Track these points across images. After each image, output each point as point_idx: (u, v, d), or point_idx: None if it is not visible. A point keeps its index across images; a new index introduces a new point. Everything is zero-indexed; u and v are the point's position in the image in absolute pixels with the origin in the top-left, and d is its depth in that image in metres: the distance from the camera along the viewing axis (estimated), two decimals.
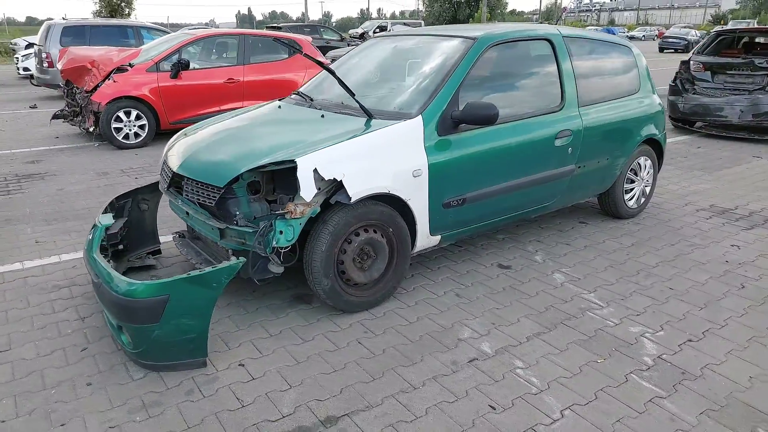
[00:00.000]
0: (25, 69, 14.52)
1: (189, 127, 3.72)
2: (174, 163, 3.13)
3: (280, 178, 2.97)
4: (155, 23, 14.21)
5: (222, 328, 2.86)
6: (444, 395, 2.33)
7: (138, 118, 7.03)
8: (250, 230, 2.73)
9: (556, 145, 3.63)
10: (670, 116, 8.40)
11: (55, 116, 7.49)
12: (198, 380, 2.43)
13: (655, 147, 4.55)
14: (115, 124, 6.91)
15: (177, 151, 3.25)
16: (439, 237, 3.29)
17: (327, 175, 2.72)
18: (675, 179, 5.71)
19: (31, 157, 6.61)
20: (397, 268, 3.12)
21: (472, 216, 3.37)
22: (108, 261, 2.77)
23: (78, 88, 7.25)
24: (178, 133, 3.66)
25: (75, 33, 11.29)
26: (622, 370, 2.51)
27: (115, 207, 3.41)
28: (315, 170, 2.71)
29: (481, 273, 3.52)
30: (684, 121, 8.34)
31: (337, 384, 2.41)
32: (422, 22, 37.16)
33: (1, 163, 6.33)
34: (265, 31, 9.18)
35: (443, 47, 3.54)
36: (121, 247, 3.35)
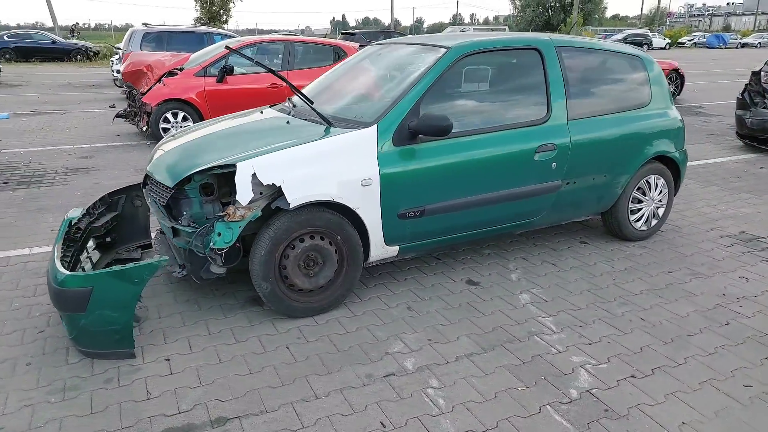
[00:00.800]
0: (117, 71, 15.81)
1: (180, 130, 3.92)
2: (149, 163, 3.33)
3: (233, 182, 3.07)
4: (234, 30, 14.95)
5: (169, 323, 3.00)
6: (341, 408, 2.32)
7: (185, 119, 7.46)
8: (190, 230, 2.84)
9: (536, 160, 3.47)
10: (737, 132, 7.74)
11: (118, 116, 8.12)
12: (122, 370, 2.57)
13: (671, 165, 4.22)
14: (163, 125, 7.38)
15: (156, 152, 3.45)
16: (396, 248, 3.26)
17: (266, 180, 2.79)
18: (714, 201, 5.25)
19: (87, 152, 7.21)
20: (346, 276, 3.12)
21: (434, 228, 3.30)
22: (79, 252, 3.01)
23: (136, 90, 7.82)
24: (167, 135, 3.87)
25: (155, 39, 12.17)
26: (540, 400, 2.37)
27: (107, 202, 3.66)
28: (254, 175, 2.79)
29: (446, 287, 3.43)
30: (752, 138, 7.62)
31: (244, 386, 2.46)
32: (506, 28, 36.40)
33: (61, 156, 6.96)
34: (309, 38, 9.44)
35: (419, 57, 3.50)
36: (108, 239, 3.59)
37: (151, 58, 7.89)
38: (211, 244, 2.76)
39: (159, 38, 12.19)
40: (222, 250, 2.81)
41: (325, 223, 2.96)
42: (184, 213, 2.97)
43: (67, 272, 2.53)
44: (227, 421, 2.24)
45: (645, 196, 4.14)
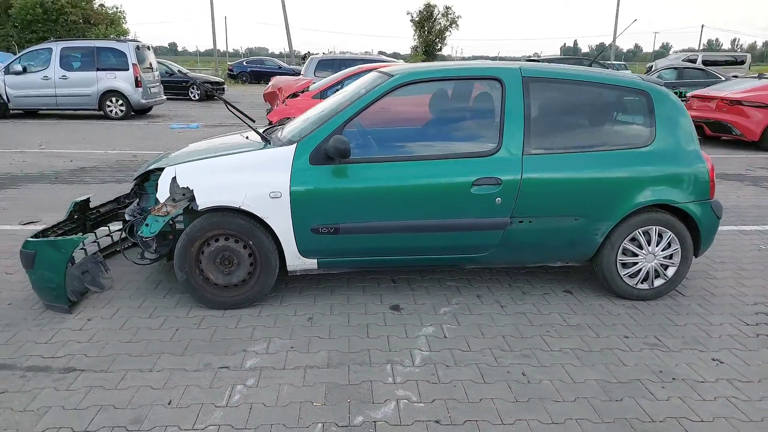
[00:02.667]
0: None
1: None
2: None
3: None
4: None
5: (122, 291, 3.64)
6: (168, 384, 2.65)
7: None
8: (128, 218, 3.45)
9: (473, 193, 3.35)
10: None
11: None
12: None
13: (685, 218, 3.61)
14: None
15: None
16: (315, 261, 3.45)
17: (182, 184, 3.27)
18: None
19: None
20: (259, 279, 3.42)
21: (352, 247, 3.41)
22: (83, 229, 3.85)
23: (270, 109, 9.03)
24: None
25: (328, 65, 13.66)
26: (318, 418, 2.40)
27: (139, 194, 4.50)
28: (174, 178, 3.29)
29: (366, 307, 3.50)
30: None
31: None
32: (748, 56, 31.44)
33: None
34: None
35: (373, 83, 3.63)
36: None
37: (284, 81, 9.03)
38: (140, 232, 3.32)
39: (331, 64, 13.64)
40: (147, 238, 3.35)
41: (236, 227, 3.32)
42: (136, 205, 3.59)
43: (29, 238, 3.31)
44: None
45: (641, 249, 3.61)
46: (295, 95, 8.45)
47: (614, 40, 44.75)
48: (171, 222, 3.42)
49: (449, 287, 3.83)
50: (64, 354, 2.89)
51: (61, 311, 3.33)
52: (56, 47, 13.05)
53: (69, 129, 11.71)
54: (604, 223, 3.50)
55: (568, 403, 2.55)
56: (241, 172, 3.30)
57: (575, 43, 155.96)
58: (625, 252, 3.61)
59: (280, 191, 3.27)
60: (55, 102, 13.10)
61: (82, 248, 3.86)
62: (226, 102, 3.68)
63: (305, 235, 3.35)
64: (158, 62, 19.26)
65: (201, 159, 3.39)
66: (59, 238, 3.26)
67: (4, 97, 12.98)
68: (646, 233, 3.58)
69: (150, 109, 14.67)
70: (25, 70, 12.94)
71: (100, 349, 2.94)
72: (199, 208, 3.25)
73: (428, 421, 2.40)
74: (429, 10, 48.74)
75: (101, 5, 44.50)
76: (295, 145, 3.34)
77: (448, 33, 49.14)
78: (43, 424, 2.33)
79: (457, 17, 49.55)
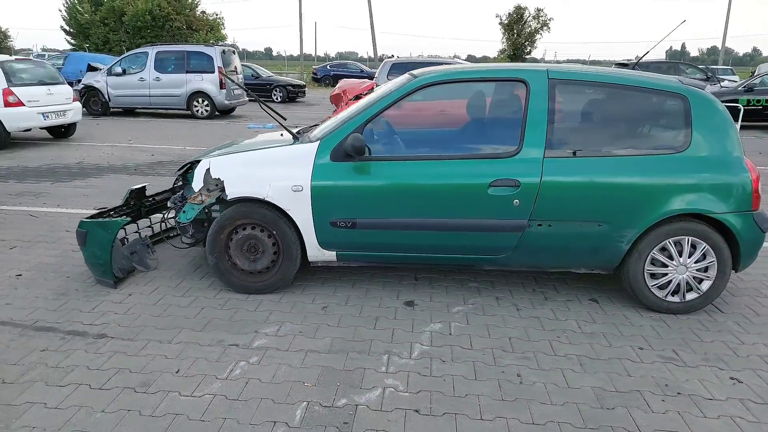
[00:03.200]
0: None
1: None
2: None
3: None
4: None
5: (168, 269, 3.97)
6: (181, 355, 2.90)
7: None
8: (170, 206, 3.77)
9: (490, 194, 3.36)
10: None
11: None
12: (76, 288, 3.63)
13: (722, 230, 3.42)
14: None
15: None
16: (334, 253, 3.60)
17: (214, 175, 3.53)
18: None
19: None
20: (282, 267, 3.62)
21: (369, 242, 3.53)
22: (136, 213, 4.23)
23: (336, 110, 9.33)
24: None
25: (401, 68, 13.85)
26: (294, 398, 2.54)
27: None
28: (207, 170, 3.56)
29: (380, 300, 3.60)
30: None
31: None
32: None
33: None
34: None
35: (400, 82, 3.73)
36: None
37: (349, 84, 9.29)
38: (178, 218, 3.63)
39: (405, 68, 13.82)
40: (184, 224, 3.65)
41: (261, 217, 3.53)
42: (181, 195, 3.90)
43: (83, 219, 3.70)
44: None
45: (672, 260, 3.45)
46: (358, 97, 8.67)
47: (723, 43, 41.84)
48: (206, 210, 3.69)
49: (469, 288, 3.84)
50: (101, 322, 3.21)
51: (108, 286, 3.70)
52: (152, 51, 14.17)
53: (158, 126, 12.67)
54: (629, 230, 3.38)
55: (555, 407, 2.52)
56: (268, 166, 3.52)
57: (683, 46, 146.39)
58: (654, 262, 3.47)
59: (302, 185, 3.44)
60: (149, 101, 14.22)
61: (136, 231, 4.25)
62: (260, 102, 3.92)
63: (325, 228, 3.51)
64: (245, 66, 20.35)
65: (233, 153, 3.64)
66: (107, 219, 3.63)
67: (106, 96, 14.26)
68: (678, 243, 3.42)
69: (233, 109, 15.54)
70: (124, 72, 14.15)
71: (132, 321, 3.24)
72: (228, 198, 3.50)
73: (408, 409, 2.47)
74: (519, 12, 47.73)
75: (203, 12, 47.41)
76: (318, 142, 3.50)
77: (538, 36, 47.84)
78: (68, 379, 2.63)
79: (549, 19, 48.21)
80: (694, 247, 3.42)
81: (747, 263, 3.51)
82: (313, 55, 61.43)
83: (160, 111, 15.36)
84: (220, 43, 42.29)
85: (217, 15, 47.62)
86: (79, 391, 2.55)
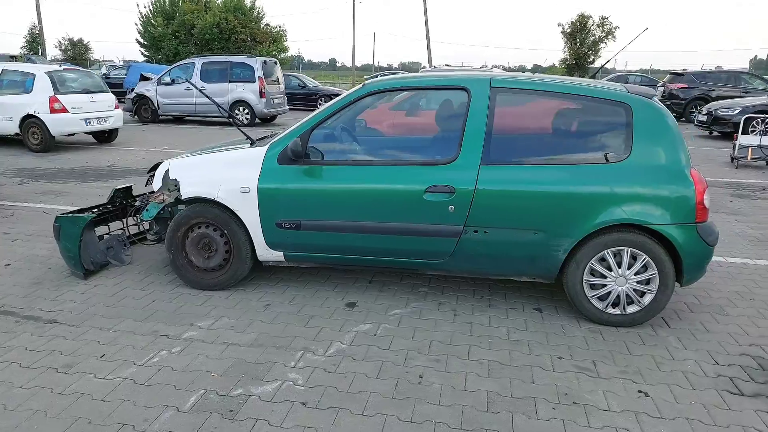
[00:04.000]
0: None
1: None
2: None
3: None
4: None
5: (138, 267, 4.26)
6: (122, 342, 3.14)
7: None
8: (138, 204, 4.04)
9: (426, 199, 3.43)
10: None
11: None
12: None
13: (664, 242, 3.33)
14: None
15: None
16: (281, 253, 3.76)
17: (172, 176, 3.78)
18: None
19: None
20: (233, 266, 3.81)
21: (315, 243, 3.66)
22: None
23: None
24: None
25: None
26: (192, 387, 2.70)
27: None
28: (167, 171, 3.81)
29: (322, 299, 3.72)
30: None
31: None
32: None
33: None
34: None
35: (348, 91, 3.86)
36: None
37: None
38: (141, 216, 3.90)
39: None
40: (147, 221, 3.92)
41: (214, 217, 3.74)
42: (147, 194, 4.18)
43: (58, 214, 4.04)
44: None
45: (610, 271, 3.39)
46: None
47: None
48: (170, 209, 3.93)
49: (418, 292, 3.90)
50: (58, 309, 3.51)
51: (78, 277, 4.01)
52: (198, 62, 14.92)
53: (198, 133, 13.31)
54: (565, 239, 3.36)
55: (440, 407, 2.56)
56: (220, 168, 3.73)
57: None
58: (594, 272, 3.42)
59: (249, 187, 3.63)
60: (194, 110, 14.95)
61: (121, 229, 4.56)
62: (218, 105, 4.15)
63: (271, 229, 3.67)
64: (292, 76, 21.00)
65: (191, 155, 3.88)
66: (76, 215, 3.94)
67: (155, 104, 15.11)
68: (618, 254, 3.36)
69: (274, 118, 16.06)
70: (173, 82, 14.95)
71: (85, 309, 3.51)
72: (183, 198, 3.73)
73: (296, 401, 2.58)
74: (582, 21, 46.37)
75: (267, 25, 49.19)
76: (267, 146, 3.68)
77: (602, 45, 46.32)
78: (3, 358, 2.91)
79: (615, 28, 46.67)
80: (634, 258, 3.35)
81: (692, 277, 3.40)
82: (371, 64, 62.22)
83: (205, 119, 16.10)
84: (282, 55, 43.36)
85: (280, 27, 49.26)
86: (9, 368, 2.81)
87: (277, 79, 15.84)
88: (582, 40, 47.12)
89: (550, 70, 45.00)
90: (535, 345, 3.19)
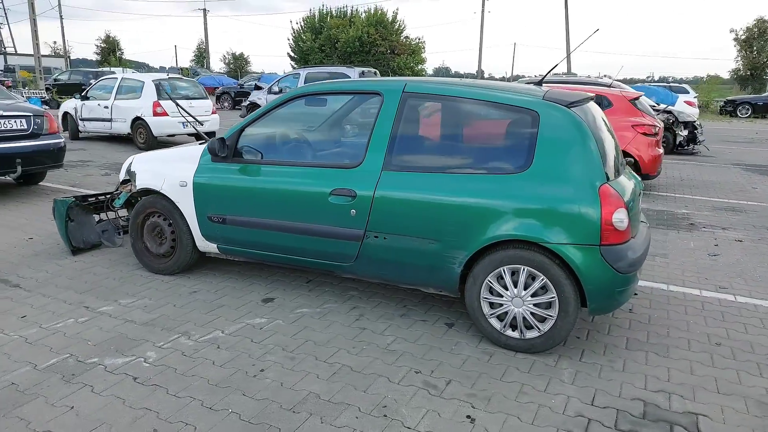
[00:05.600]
0: None
1: None
2: None
3: None
4: None
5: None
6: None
7: None
8: (115, 193, 4.56)
9: (331, 202, 3.48)
10: None
11: None
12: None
13: (564, 263, 3.04)
14: None
15: None
16: (214, 246, 4.02)
17: (132, 169, 4.23)
18: None
19: None
20: (176, 253, 4.15)
21: (239, 238, 3.87)
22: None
23: None
24: None
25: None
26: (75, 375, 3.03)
27: None
28: (131, 164, 4.28)
29: (241, 292, 3.91)
30: None
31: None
32: None
33: None
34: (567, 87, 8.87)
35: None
36: None
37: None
38: (114, 202, 4.41)
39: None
40: (117, 208, 4.42)
41: (162, 207, 4.12)
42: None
43: (56, 198, 4.69)
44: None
45: (507, 290, 3.17)
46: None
47: None
48: (139, 198, 4.39)
49: (346, 296, 3.92)
50: (29, 277, 4.10)
51: (68, 253, 4.62)
52: (303, 72, 15.94)
53: None
54: (460, 251, 3.20)
55: (251, 400, 2.62)
56: (168, 163, 4.10)
57: None
58: (492, 290, 3.21)
59: (187, 181, 3.94)
60: None
61: (125, 216, 5.14)
62: (178, 105, 4.54)
63: (204, 222, 3.95)
64: None
65: (154, 151, 4.30)
66: (60, 199, 4.56)
67: None
68: (516, 273, 3.13)
69: None
70: (281, 91, 16.11)
71: (49, 279, 4.07)
72: (136, 189, 4.15)
73: (130, 375, 2.80)
74: (762, 26, 40.99)
75: (406, 37, 50.65)
76: (206, 144, 3.97)
77: None
78: None
79: None
80: (533, 278, 3.09)
81: (601, 306, 3.05)
82: (509, 75, 61.14)
83: None
84: (419, 66, 44.07)
85: (419, 39, 50.44)
86: None
87: None
88: (760, 48, 41.79)
89: (707, 84, 40.24)
90: (406, 357, 3.08)
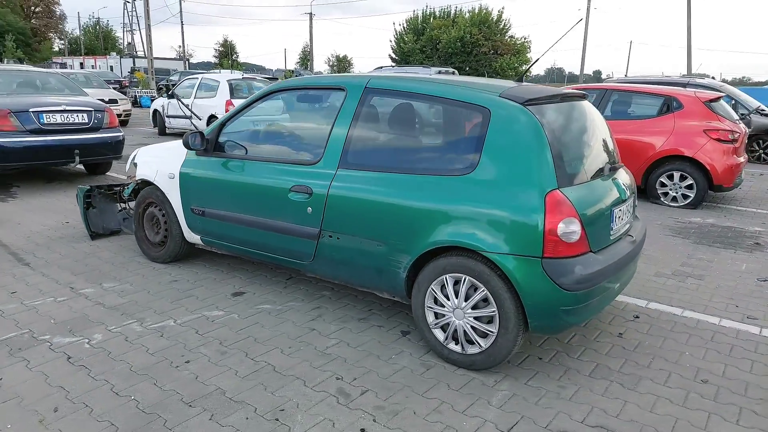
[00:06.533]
0: None
1: None
2: None
3: None
4: None
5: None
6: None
7: None
8: (126, 181, 4.84)
9: (290, 198, 3.46)
10: None
11: None
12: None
13: (504, 275, 2.79)
14: None
15: None
16: (198, 237, 4.14)
17: (135, 160, 4.48)
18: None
19: None
20: (169, 242, 4.33)
21: (217, 231, 3.95)
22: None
23: None
24: None
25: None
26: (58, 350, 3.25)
27: None
28: (135, 156, 4.52)
29: (215, 285, 3.98)
30: None
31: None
32: None
33: None
34: (634, 86, 8.11)
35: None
36: None
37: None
38: (124, 192, 4.70)
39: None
40: (126, 198, 4.70)
41: (156, 197, 4.31)
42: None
43: (80, 186, 5.06)
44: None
45: (448, 300, 2.96)
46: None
47: None
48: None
49: (316, 295, 3.87)
50: (41, 257, 4.46)
51: (87, 237, 4.98)
52: (379, 72, 16.06)
53: None
54: (403, 255, 3.05)
55: (158, 389, 2.65)
56: (162, 156, 4.28)
57: None
58: (436, 299, 3.02)
59: (174, 173, 4.09)
60: None
61: None
62: (180, 101, 4.68)
63: (188, 213, 4.08)
64: None
65: (156, 144, 4.51)
66: (82, 187, 4.90)
67: None
68: (459, 282, 2.92)
69: None
70: None
71: (57, 260, 4.40)
72: (136, 179, 4.38)
73: (65, 354, 2.95)
74: None
75: (511, 37, 49.43)
76: None
77: None
78: None
79: None
80: (475, 289, 2.87)
81: (542, 325, 2.77)
82: (625, 75, 57.80)
83: None
84: (524, 67, 42.96)
85: (525, 39, 49.03)
86: None
87: None
88: None
89: None
90: (337, 362, 2.98)
